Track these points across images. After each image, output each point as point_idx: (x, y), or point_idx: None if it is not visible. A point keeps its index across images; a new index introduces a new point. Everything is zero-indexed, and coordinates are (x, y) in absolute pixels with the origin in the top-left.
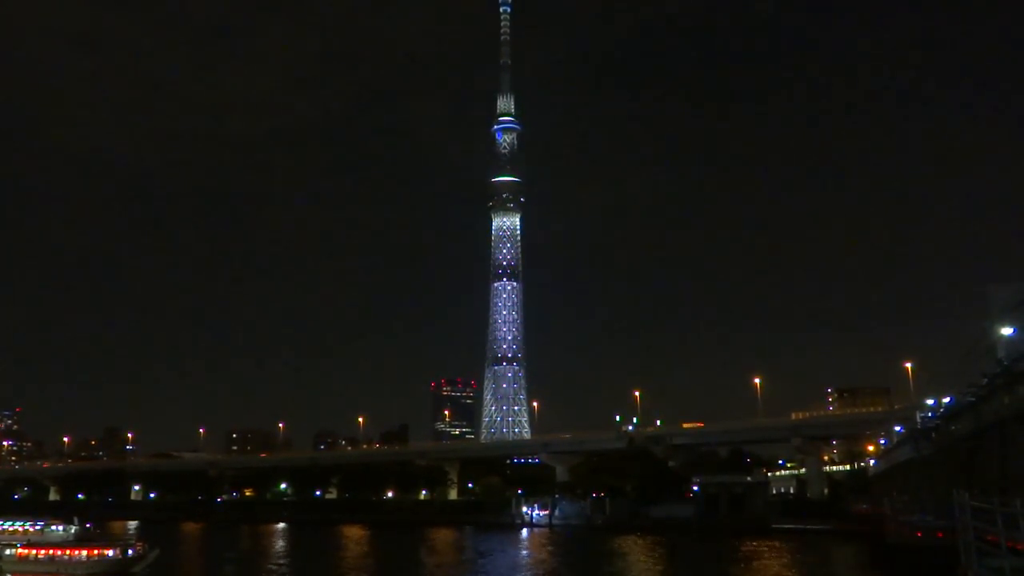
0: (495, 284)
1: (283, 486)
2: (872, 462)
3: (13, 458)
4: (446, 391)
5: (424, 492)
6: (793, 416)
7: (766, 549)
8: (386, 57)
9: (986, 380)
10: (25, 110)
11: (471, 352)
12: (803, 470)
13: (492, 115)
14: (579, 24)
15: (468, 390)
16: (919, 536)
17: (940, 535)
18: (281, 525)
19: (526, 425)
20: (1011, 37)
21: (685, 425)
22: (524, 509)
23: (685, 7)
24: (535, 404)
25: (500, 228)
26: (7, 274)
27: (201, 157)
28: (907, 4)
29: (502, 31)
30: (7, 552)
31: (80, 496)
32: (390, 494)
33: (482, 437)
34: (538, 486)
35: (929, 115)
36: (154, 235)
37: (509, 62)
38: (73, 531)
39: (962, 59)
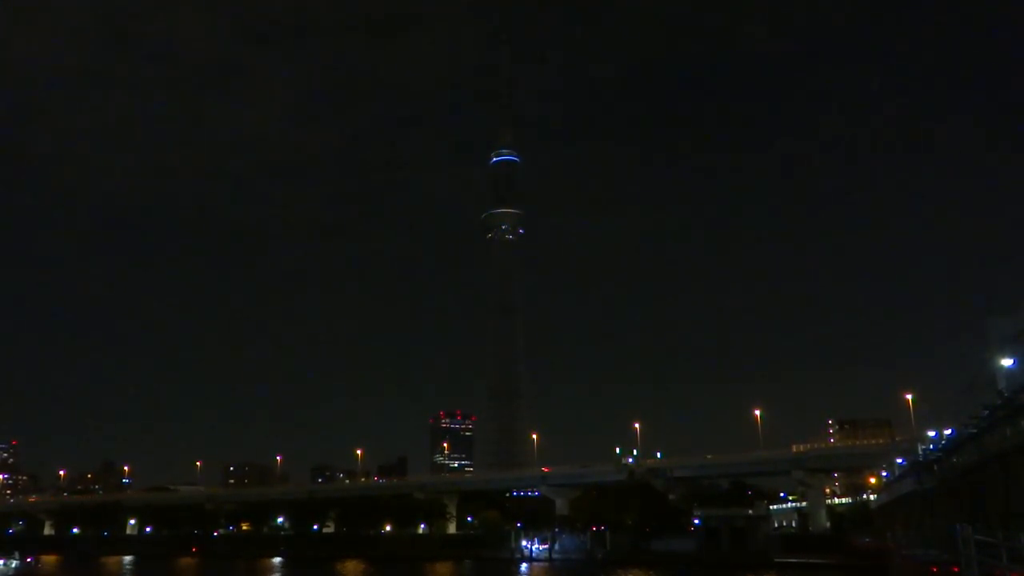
0: (495, 316)
1: (280, 520)
2: (874, 495)
3: (8, 492)
4: (445, 423)
5: (423, 526)
6: (794, 448)
7: None
8: (384, 92)
9: (987, 412)
10: (22, 145)
11: (471, 384)
12: (805, 503)
13: (491, 147)
14: (578, 61)
15: (467, 422)
16: (935, 571)
17: (935, 569)
18: (278, 560)
19: (525, 458)
20: (1008, 67)
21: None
22: (524, 543)
23: (685, 46)
24: (534, 436)
25: (500, 259)
26: (6, 307)
27: (198, 191)
28: (898, 39)
29: (501, 66)
30: None
31: (75, 530)
32: (388, 528)
33: (481, 470)
34: (538, 519)
35: (925, 147)
36: (151, 268)
37: (508, 96)
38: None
39: (958, 92)
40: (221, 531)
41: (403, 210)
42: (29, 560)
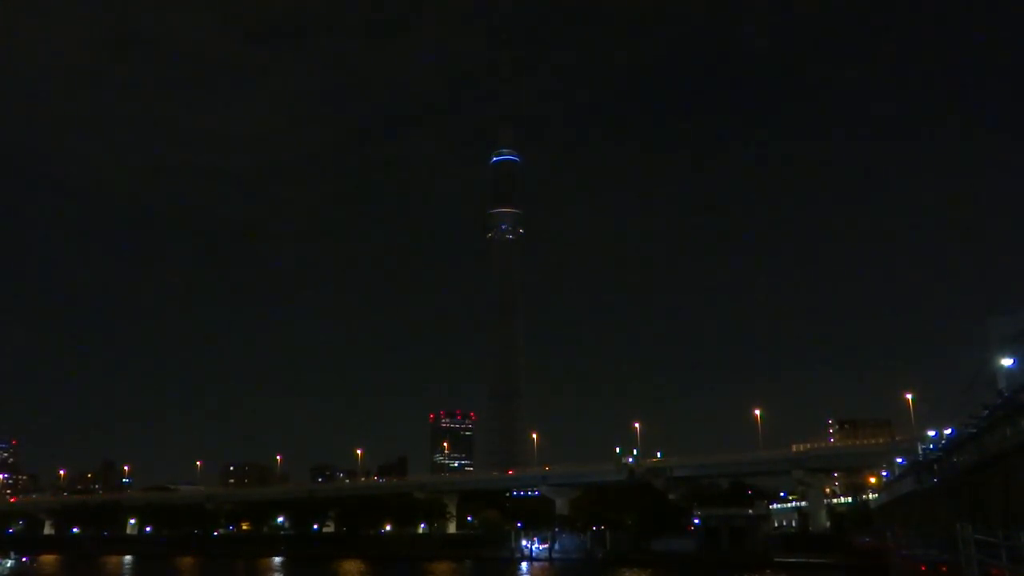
0: (495, 316)
1: (280, 520)
2: (874, 494)
3: (8, 491)
4: (445, 423)
5: (423, 526)
6: (794, 448)
7: None
8: (384, 91)
9: (987, 412)
10: (27, 145)
11: (471, 384)
12: (805, 503)
13: (491, 147)
14: (579, 61)
15: (467, 422)
16: (923, 570)
17: (944, 569)
18: (278, 559)
19: (525, 457)
20: (1009, 67)
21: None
22: (524, 543)
23: (685, 46)
24: (534, 436)
25: (500, 259)
26: (6, 306)
27: (200, 190)
28: (898, 39)
29: (501, 66)
30: None
31: (75, 530)
32: (388, 528)
33: (481, 469)
34: (538, 519)
35: (926, 147)
36: (152, 267)
37: (509, 96)
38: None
39: (959, 90)
40: (221, 531)
41: (403, 210)
42: (24, 560)
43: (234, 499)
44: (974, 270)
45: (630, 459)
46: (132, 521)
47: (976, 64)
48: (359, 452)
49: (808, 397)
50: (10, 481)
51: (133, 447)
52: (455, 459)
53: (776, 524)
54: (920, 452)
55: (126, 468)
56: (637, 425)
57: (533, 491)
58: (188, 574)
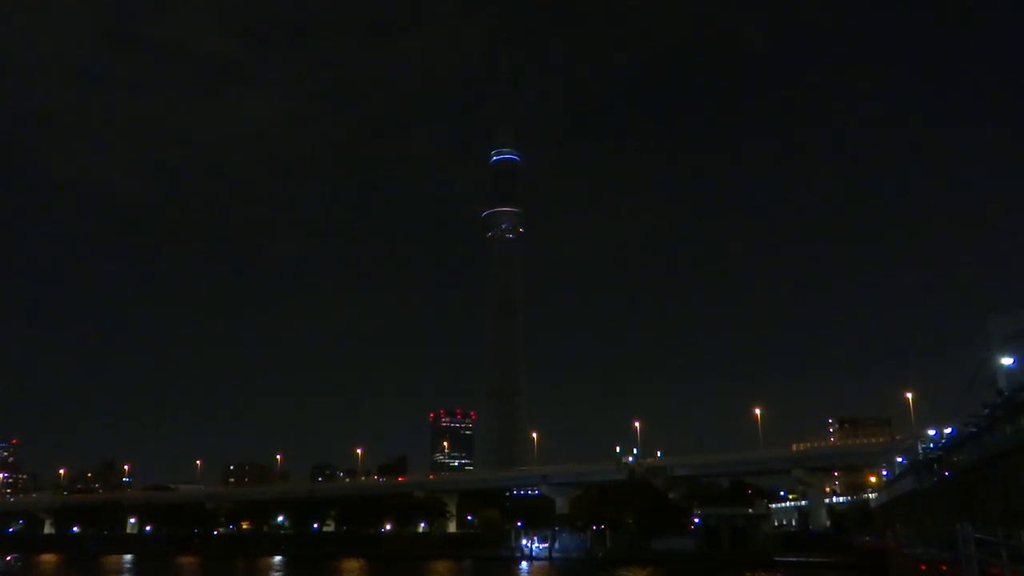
0: (495, 315)
1: (280, 519)
2: (874, 493)
3: (8, 491)
4: (445, 422)
5: (422, 525)
6: (794, 447)
7: None
8: (384, 91)
9: (987, 411)
10: (25, 144)
11: (470, 384)
12: (805, 502)
13: (491, 146)
14: (579, 60)
15: (467, 421)
16: (934, 570)
17: (944, 568)
18: (278, 559)
19: (525, 456)
20: (1009, 67)
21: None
22: (524, 542)
23: (685, 47)
24: (535, 435)
25: (500, 258)
26: (6, 307)
27: (199, 190)
28: (899, 41)
29: (502, 65)
30: None
31: (75, 529)
32: (388, 527)
33: (481, 468)
34: (538, 518)
35: (926, 147)
36: (152, 268)
37: (509, 95)
38: None
39: (960, 92)
40: (221, 530)
41: (402, 209)
42: (10, 559)
43: (234, 498)
44: (974, 270)
45: (630, 458)
46: (132, 520)
47: (977, 62)
48: (359, 452)
49: (808, 397)
50: (10, 480)
51: (133, 447)
52: (455, 458)
53: (776, 523)
54: (920, 451)
55: (126, 467)
56: (637, 425)
57: (533, 490)
58: (188, 573)
